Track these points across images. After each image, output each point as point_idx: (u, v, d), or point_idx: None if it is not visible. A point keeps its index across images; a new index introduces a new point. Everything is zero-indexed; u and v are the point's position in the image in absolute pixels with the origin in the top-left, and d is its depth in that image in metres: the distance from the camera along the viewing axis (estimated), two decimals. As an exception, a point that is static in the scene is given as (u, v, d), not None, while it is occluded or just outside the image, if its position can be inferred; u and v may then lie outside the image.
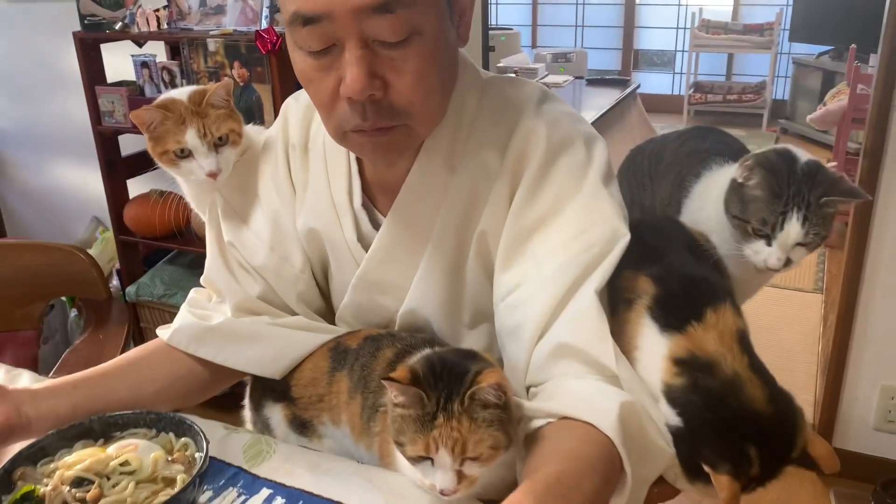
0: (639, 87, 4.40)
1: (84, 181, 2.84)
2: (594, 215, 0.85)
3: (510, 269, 0.86)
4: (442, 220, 0.90)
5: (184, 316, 1.04)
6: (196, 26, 2.16)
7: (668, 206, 1.08)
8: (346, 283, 1.00)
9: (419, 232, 0.92)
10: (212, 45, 2.03)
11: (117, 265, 2.55)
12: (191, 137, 1.00)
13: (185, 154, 1.01)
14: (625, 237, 0.84)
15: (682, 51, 6.29)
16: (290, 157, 1.02)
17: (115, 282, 2.61)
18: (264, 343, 1.00)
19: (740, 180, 0.93)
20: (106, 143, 2.32)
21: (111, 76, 2.33)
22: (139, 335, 2.44)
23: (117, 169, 2.37)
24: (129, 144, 2.40)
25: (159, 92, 2.20)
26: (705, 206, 1.01)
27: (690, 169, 1.08)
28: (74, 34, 2.21)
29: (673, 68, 6.42)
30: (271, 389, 1.03)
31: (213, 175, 1.01)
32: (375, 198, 0.98)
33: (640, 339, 0.81)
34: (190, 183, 1.07)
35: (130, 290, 2.38)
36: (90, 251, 2.70)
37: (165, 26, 2.18)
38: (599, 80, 4.55)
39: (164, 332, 1.03)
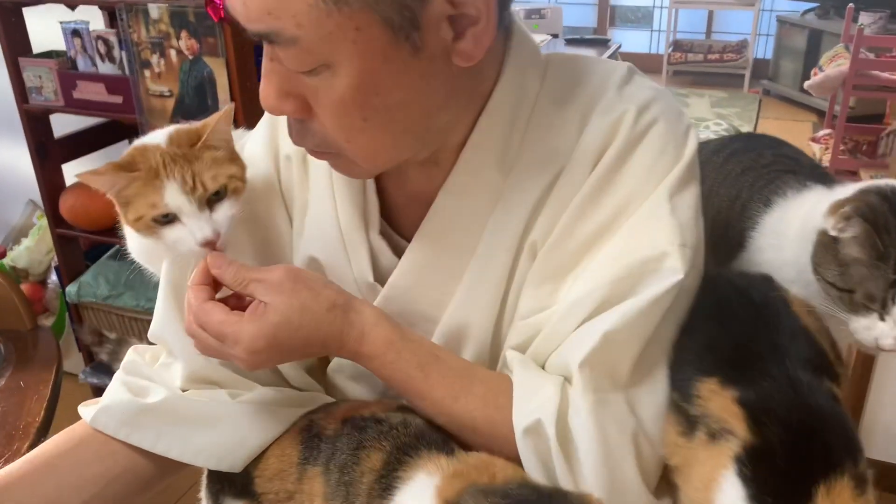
0: (620, 47, 4.16)
1: (15, 162, 2.53)
2: (645, 234, 0.67)
3: (544, 285, 0.71)
4: (491, 232, 0.72)
5: (115, 390, 0.80)
6: (135, -12, 1.86)
7: (725, 241, 0.86)
8: None
9: (459, 249, 0.74)
10: (154, 11, 1.74)
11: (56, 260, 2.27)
12: (172, 195, 0.71)
13: (168, 219, 0.72)
14: (673, 275, 0.65)
15: (661, 7, 6.03)
16: (281, 171, 0.82)
17: (53, 277, 2.33)
18: (220, 427, 0.78)
19: (833, 233, 0.71)
20: (35, 123, 2.03)
21: (37, 46, 2.02)
22: (82, 343, 2.18)
23: (50, 153, 2.08)
24: (62, 124, 2.10)
25: (94, 66, 1.92)
26: (782, 245, 0.79)
27: (756, 193, 0.86)
28: (-10, -4, 1.90)
29: (651, 25, 6.17)
30: (230, 482, 0.80)
31: (209, 243, 0.73)
32: (398, 217, 0.79)
33: (716, 495, 0.58)
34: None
35: (71, 289, 2.11)
36: (26, 240, 2.43)
37: (99, -12, 1.88)
38: (578, 41, 4.30)
39: (86, 412, 0.79)
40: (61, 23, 1.91)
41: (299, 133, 0.67)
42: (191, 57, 1.75)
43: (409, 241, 0.78)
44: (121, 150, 0.78)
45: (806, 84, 3.68)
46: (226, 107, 0.75)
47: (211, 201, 0.73)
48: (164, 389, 0.79)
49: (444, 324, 0.76)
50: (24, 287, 2.37)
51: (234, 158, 0.76)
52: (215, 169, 0.73)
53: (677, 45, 5.75)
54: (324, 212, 0.79)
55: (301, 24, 0.56)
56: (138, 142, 0.77)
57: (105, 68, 1.91)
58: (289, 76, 0.61)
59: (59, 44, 1.97)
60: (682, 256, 0.65)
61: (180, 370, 0.81)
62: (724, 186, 0.90)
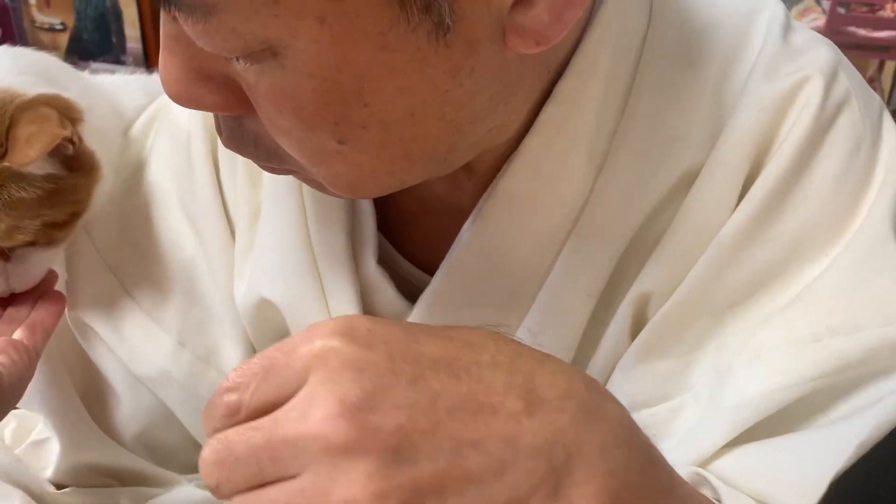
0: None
1: None
2: (866, 288, 0.44)
3: (662, 361, 0.48)
4: (564, 266, 0.48)
5: None
6: None
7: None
8: None
9: (510, 294, 0.50)
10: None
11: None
12: None
13: None
14: None
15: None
16: (220, 157, 0.57)
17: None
18: None
19: None
20: None
21: None
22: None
23: None
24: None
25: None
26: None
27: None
28: None
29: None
30: None
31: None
32: (406, 235, 0.55)
33: None
34: None
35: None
36: None
37: None
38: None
39: None
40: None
41: (232, 135, 0.43)
42: None
43: (425, 270, 0.53)
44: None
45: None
46: (46, 141, 0.48)
47: (9, 248, 0.51)
48: (19, 494, 0.56)
49: None
50: None
51: (69, 190, 0.51)
52: (15, 219, 0.49)
53: None
54: (285, 225, 0.53)
55: None
56: None
57: None
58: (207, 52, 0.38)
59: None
60: None
61: (58, 454, 0.58)
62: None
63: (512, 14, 0.35)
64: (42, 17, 1.54)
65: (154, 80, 0.65)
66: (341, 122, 0.37)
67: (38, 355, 0.51)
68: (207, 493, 0.56)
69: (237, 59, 0.36)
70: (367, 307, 0.53)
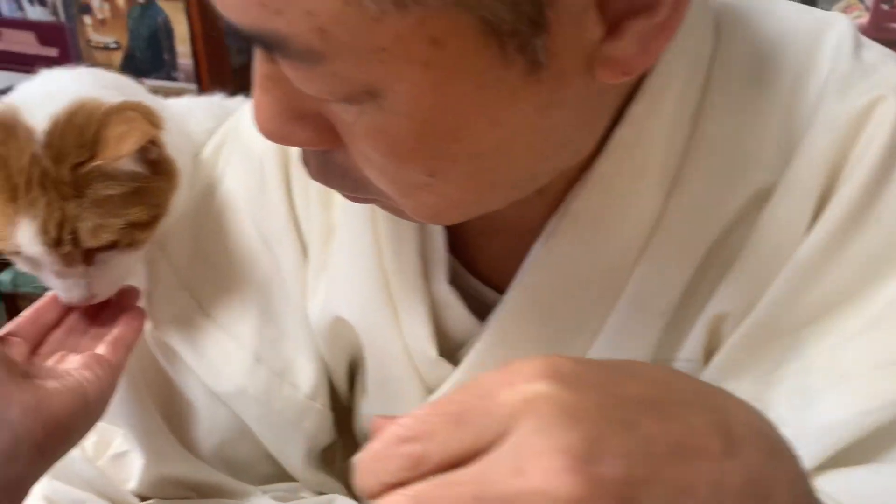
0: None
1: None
2: None
3: (739, 382, 0.47)
4: (636, 287, 0.48)
5: None
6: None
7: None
8: (396, 406, 0.57)
9: (582, 310, 0.50)
10: (93, -59, 1.47)
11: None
12: (27, 240, 0.49)
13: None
14: None
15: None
16: (293, 176, 0.57)
17: (-16, 262, 2.02)
18: None
19: None
20: (-50, 80, 1.70)
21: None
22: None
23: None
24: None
25: (21, 10, 1.66)
26: None
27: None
28: None
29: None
30: None
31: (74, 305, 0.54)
32: (478, 256, 0.55)
33: None
34: None
35: (4, 278, 1.84)
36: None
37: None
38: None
39: None
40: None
41: (320, 169, 0.43)
42: (141, 0, 1.50)
43: (495, 289, 0.53)
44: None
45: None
46: (148, 131, 0.50)
47: (91, 251, 0.51)
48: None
49: None
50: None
51: (149, 192, 0.52)
52: (101, 217, 0.49)
53: None
54: (358, 246, 0.54)
55: (325, 30, 0.32)
56: (20, 97, 0.52)
57: (35, 13, 1.65)
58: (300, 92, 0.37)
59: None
60: None
61: (140, 468, 0.59)
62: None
63: (601, 47, 0.35)
64: (97, 37, 1.56)
65: (217, 102, 0.66)
66: (433, 157, 0.38)
67: (120, 370, 0.52)
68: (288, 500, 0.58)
69: (336, 101, 0.36)
70: (439, 326, 0.54)
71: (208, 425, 0.59)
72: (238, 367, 0.57)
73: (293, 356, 0.58)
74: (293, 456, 0.59)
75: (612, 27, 0.34)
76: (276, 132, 0.40)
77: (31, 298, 1.81)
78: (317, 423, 0.58)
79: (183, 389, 0.59)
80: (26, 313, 0.54)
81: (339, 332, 0.56)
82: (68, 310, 0.55)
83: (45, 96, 0.51)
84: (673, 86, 0.44)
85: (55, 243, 0.48)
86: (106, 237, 0.49)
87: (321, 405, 0.58)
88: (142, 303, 0.57)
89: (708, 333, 0.47)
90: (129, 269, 0.54)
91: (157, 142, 0.51)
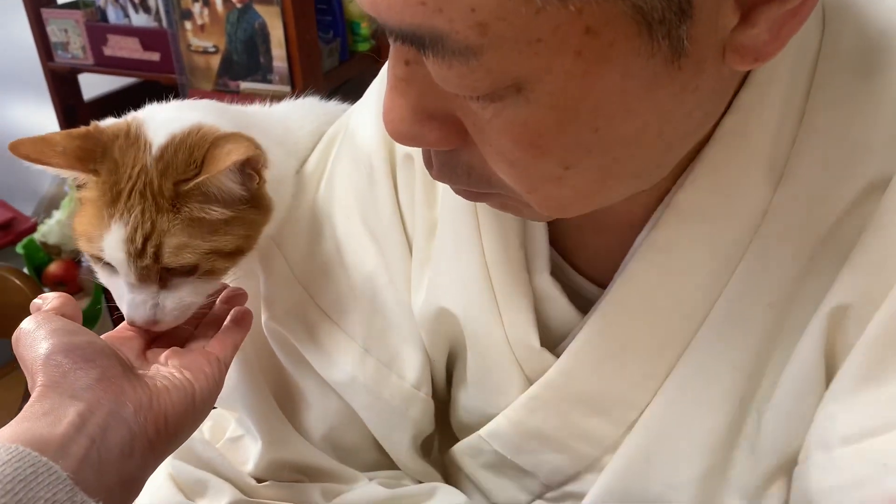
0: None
1: (43, 122, 2.30)
2: None
3: (881, 383, 0.43)
4: (743, 278, 0.47)
5: (159, 485, 0.59)
6: (172, -77, 1.59)
7: None
8: (494, 405, 0.57)
9: (687, 300, 0.49)
10: (195, -50, 1.47)
11: (90, 235, 2.05)
12: (112, 245, 0.50)
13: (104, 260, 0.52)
14: None
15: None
16: (399, 176, 0.58)
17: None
18: None
19: None
20: (61, 84, 1.80)
21: (62, -6, 1.78)
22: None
23: (80, 117, 1.85)
24: (92, 85, 1.86)
25: (127, 17, 1.67)
26: None
27: None
28: (6, -64, 1.64)
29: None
30: None
31: (133, 324, 0.52)
32: (578, 248, 0.55)
33: None
34: None
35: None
36: (57, 213, 2.21)
37: (130, -76, 1.62)
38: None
39: None
40: (88, -34, 1.66)
41: (443, 168, 0.43)
42: (239, 5, 1.48)
43: (595, 282, 0.53)
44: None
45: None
46: (253, 151, 0.50)
47: (169, 272, 0.51)
48: (229, 487, 0.58)
49: (651, 414, 0.51)
50: (56, 265, 2.16)
51: (243, 222, 0.52)
52: (188, 236, 0.49)
53: None
54: (461, 240, 0.54)
55: (486, 25, 0.32)
56: (148, 113, 0.54)
57: (139, 20, 1.67)
58: (436, 88, 0.37)
59: (86, -9, 1.72)
60: None
61: (256, 452, 0.60)
62: None
63: (734, 33, 0.35)
64: (197, 41, 1.55)
65: (313, 103, 0.68)
66: (572, 148, 0.37)
67: (226, 369, 0.52)
68: (390, 491, 0.59)
69: (475, 98, 0.36)
70: (540, 317, 0.54)
71: (319, 412, 0.60)
72: (348, 358, 0.58)
73: (399, 347, 0.58)
74: (399, 443, 0.60)
75: (746, 14, 0.34)
76: (406, 133, 0.40)
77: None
78: (421, 411, 0.59)
79: (296, 377, 0.61)
80: None
81: (441, 323, 0.57)
82: None
83: (170, 116, 0.53)
84: (781, 75, 0.44)
85: (137, 254, 0.49)
86: (187, 258, 0.50)
87: (425, 394, 0.59)
88: (250, 304, 0.58)
89: (827, 329, 0.45)
90: (196, 303, 0.53)
91: (259, 171, 0.52)
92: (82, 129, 0.52)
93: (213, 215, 0.50)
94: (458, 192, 0.45)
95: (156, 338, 0.53)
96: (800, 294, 0.46)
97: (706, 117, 0.42)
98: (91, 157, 0.50)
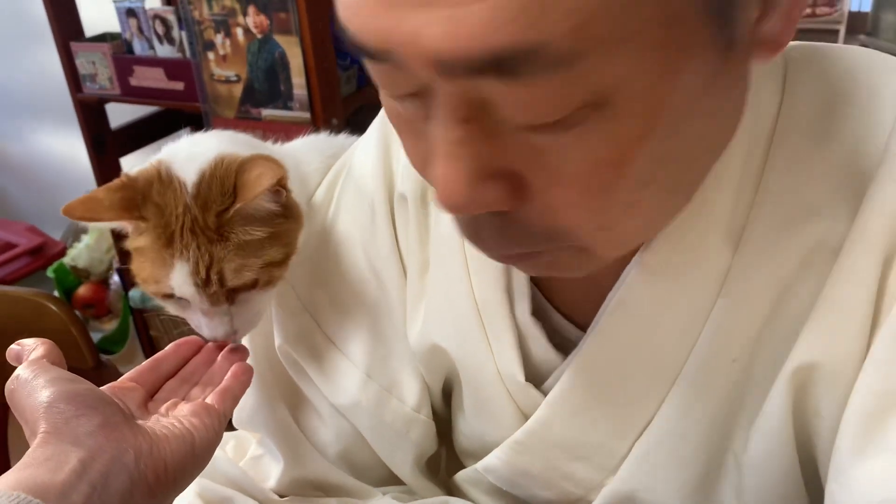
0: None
1: (72, 150, 2.38)
2: None
3: (879, 456, 0.42)
4: (710, 336, 0.48)
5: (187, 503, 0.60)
6: (194, -42, 1.65)
7: None
8: (490, 434, 0.58)
9: (659, 358, 0.50)
10: (217, -16, 1.52)
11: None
12: (180, 281, 0.54)
13: (175, 296, 0.57)
14: None
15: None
16: (396, 217, 0.60)
17: (115, 278, 2.17)
18: None
19: None
20: (90, 114, 1.85)
21: (90, 28, 1.84)
22: (150, 346, 2.01)
23: (107, 146, 1.91)
24: (119, 114, 1.92)
25: (152, 48, 1.72)
26: None
27: None
28: (37, -25, 1.71)
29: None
30: None
31: (218, 344, 0.59)
32: (558, 294, 0.55)
33: None
34: None
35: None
36: (86, 237, 2.27)
37: (155, -41, 1.68)
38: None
39: None
40: (114, 2, 1.72)
41: (499, 235, 0.40)
42: (260, 36, 1.52)
43: (577, 324, 0.55)
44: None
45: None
46: (279, 171, 0.54)
47: (234, 291, 0.55)
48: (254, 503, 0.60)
49: (631, 461, 0.52)
50: (85, 288, 2.22)
51: (281, 234, 0.56)
52: (243, 258, 0.54)
53: (764, 2, 5.33)
54: (451, 279, 0.56)
55: (583, 25, 0.30)
56: (169, 154, 0.57)
57: (164, 51, 1.72)
58: (497, 141, 0.35)
59: (112, 25, 1.78)
60: None
61: (278, 470, 0.62)
62: None
63: (757, 26, 0.35)
64: (219, 71, 1.59)
65: (323, 140, 0.71)
66: (649, 162, 0.35)
67: (226, 420, 0.52)
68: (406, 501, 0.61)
69: (551, 129, 0.33)
70: (525, 354, 0.55)
71: (333, 432, 0.63)
72: (352, 383, 0.61)
73: (399, 373, 0.61)
74: (403, 462, 0.62)
75: (765, 5, 0.35)
76: (466, 198, 0.36)
77: (157, 314, 1.95)
78: (422, 432, 0.62)
79: (310, 399, 0.63)
80: (147, 363, 0.55)
81: (435, 357, 0.59)
82: (184, 361, 0.57)
83: (191, 154, 0.56)
84: (739, 146, 0.45)
85: (204, 283, 0.53)
86: (248, 276, 0.54)
87: (425, 416, 0.61)
88: (246, 341, 0.62)
89: (793, 387, 0.46)
90: (264, 307, 0.59)
91: (286, 186, 0.56)
92: (117, 181, 0.56)
93: (257, 234, 0.55)
94: (505, 258, 0.44)
95: (157, 390, 0.54)
96: (762, 351, 0.47)
97: (737, 118, 0.42)
98: (134, 205, 0.54)
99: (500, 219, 0.39)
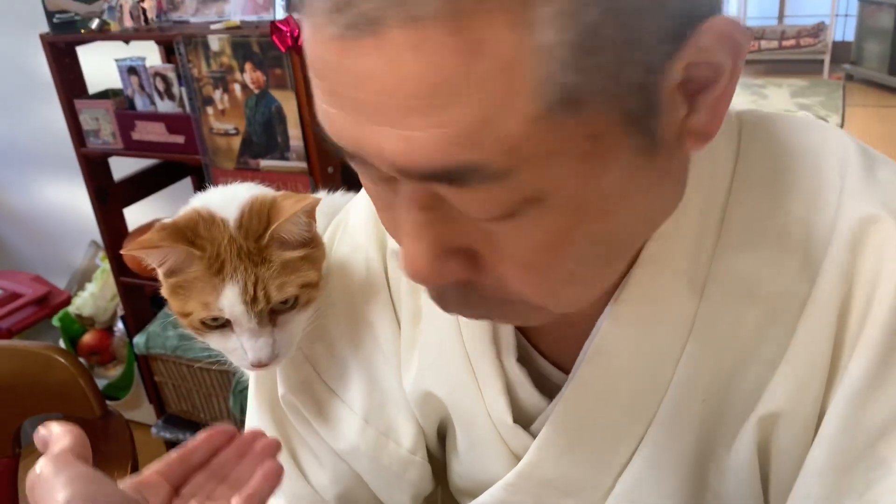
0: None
1: (75, 202, 2.43)
2: None
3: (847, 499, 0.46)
4: (680, 380, 0.52)
5: None
6: (192, 18, 1.73)
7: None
8: (483, 473, 0.62)
9: (635, 400, 0.54)
10: (215, 43, 1.59)
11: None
12: (231, 302, 0.59)
13: (219, 323, 0.61)
14: None
15: (727, -7, 5.71)
16: (388, 272, 0.64)
17: (119, 325, 2.21)
18: None
19: None
20: (94, 167, 1.91)
21: (94, 85, 1.90)
22: (154, 391, 2.05)
23: (110, 197, 1.96)
24: (121, 167, 1.98)
25: (153, 104, 1.78)
26: None
27: None
28: (42, 37, 1.78)
29: (717, 13, 5.85)
30: None
31: (260, 365, 0.62)
32: (542, 340, 0.59)
33: None
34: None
35: (139, 340, 1.98)
36: (90, 285, 2.32)
37: (154, 19, 1.74)
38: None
39: None
40: (116, 60, 1.78)
41: (462, 301, 0.46)
42: (257, 91, 1.59)
43: (561, 367, 0.59)
44: (184, 191, 0.65)
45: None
46: (309, 199, 0.60)
47: (275, 312, 0.60)
48: None
49: (616, 497, 0.56)
50: (90, 335, 2.27)
51: (313, 256, 0.62)
52: (285, 276, 0.60)
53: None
54: (442, 329, 0.60)
55: (515, 148, 0.35)
56: (203, 202, 0.63)
57: (164, 106, 1.78)
58: (454, 225, 0.40)
59: (114, 81, 1.84)
60: None
61: None
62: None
63: (685, 121, 0.40)
64: (218, 125, 1.66)
65: (325, 202, 0.74)
66: (582, 242, 0.41)
67: None
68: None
69: (497, 219, 0.38)
70: (513, 398, 0.59)
71: (333, 475, 0.66)
72: (351, 428, 0.64)
73: (395, 417, 0.64)
74: (400, 503, 0.66)
75: (692, 103, 0.39)
76: (429, 272, 0.41)
77: (161, 359, 1.99)
78: (418, 473, 0.65)
79: (310, 442, 0.67)
80: (176, 452, 0.52)
81: (429, 404, 0.63)
82: (214, 451, 0.54)
83: (225, 198, 0.63)
84: (695, 203, 0.49)
85: (252, 300, 0.59)
86: (290, 290, 0.60)
87: (421, 458, 0.65)
88: (252, 391, 0.65)
89: (759, 434, 0.49)
90: (300, 331, 0.63)
91: (314, 216, 0.62)
92: (160, 224, 0.61)
93: (293, 256, 0.61)
94: (470, 316, 0.50)
95: (184, 482, 0.52)
96: (732, 392, 0.51)
97: (676, 197, 0.48)
98: (186, 238, 0.60)
99: (463, 288, 0.44)
